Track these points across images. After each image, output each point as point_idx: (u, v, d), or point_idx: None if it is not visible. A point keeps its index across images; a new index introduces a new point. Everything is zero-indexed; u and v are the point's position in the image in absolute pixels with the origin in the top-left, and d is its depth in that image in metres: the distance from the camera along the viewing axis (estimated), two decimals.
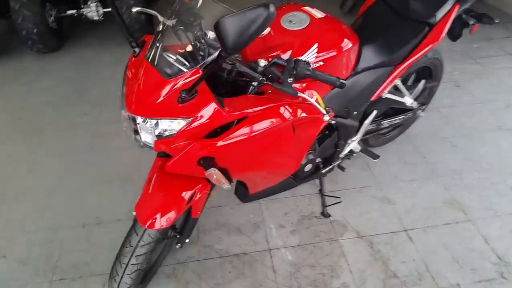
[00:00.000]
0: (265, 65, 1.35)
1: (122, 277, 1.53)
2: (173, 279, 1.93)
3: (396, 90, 2.13)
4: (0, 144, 2.87)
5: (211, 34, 1.38)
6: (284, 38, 1.52)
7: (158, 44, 1.34)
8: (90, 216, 2.27)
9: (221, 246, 2.07)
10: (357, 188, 2.37)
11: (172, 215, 1.47)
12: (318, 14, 1.62)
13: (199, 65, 1.27)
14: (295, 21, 1.57)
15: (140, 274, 1.57)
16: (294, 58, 1.35)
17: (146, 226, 1.45)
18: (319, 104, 1.44)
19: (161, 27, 1.41)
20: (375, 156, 2.21)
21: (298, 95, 1.37)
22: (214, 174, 1.32)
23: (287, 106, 1.46)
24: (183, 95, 1.23)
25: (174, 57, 1.32)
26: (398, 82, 2.05)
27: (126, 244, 1.52)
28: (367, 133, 2.25)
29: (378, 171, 2.47)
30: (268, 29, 1.57)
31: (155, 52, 1.33)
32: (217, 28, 1.02)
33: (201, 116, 1.26)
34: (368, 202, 2.28)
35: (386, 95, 2.04)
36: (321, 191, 2.24)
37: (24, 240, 2.17)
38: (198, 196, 1.58)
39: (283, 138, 1.53)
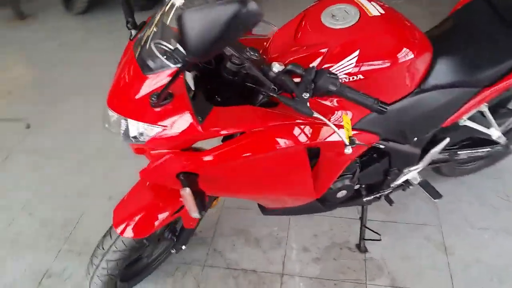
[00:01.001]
0: (278, 72, 1.04)
1: (92, 277, 1.39)
2: (171, 281, 1.77)
3: (482, 116, 1.64)
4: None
5: None
6: (319, 37, 1.17)
7: (151, 29, 1.10)
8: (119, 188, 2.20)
9: (232, 256, 1.85)
10: (411, 224, 1.94)
11: (150, 226, 1.28)
12: (375, 9, 1.22)
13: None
14: (339, 16, 1.20)
15: (112, 281, 1.42)
16: (317, 68, 1.03)
17: (119, 232, 1.27)
18: (345, 130, 1.10)
19: (166, 7, 1.16)
20: (436, 195, 1.76)
21: (314, 115, 1.04)
22: (185, 196, 1.07)
23: (299, 127, 1.14)
24: (153, 98, 0.99)
25: (165, 48, 1.07)
26: (484, 108, 1.57)
27: (99, 244, 1.37)
28: (435, 162, 1.80)
29: (444, 208, 2.00)
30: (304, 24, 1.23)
31: (144, 39, 1.09)
32: (179, 23, 0.75)
33: (172, 127, 1.01)
34: (419, 244, 1.86)
35: (464, 122, 1.57)
36: (361, 220, 1.86)
37: (52, 202, 2.18)
38: None
39: (291, 163, 1.22)
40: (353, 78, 1.16)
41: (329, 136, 1.18)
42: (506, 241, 1.85)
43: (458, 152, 1.79)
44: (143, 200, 1.32)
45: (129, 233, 1.26)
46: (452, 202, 2.02)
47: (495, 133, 1.62)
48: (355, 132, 1.30)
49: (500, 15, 1.50)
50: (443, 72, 1.38)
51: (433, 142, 1.63)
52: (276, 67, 1.04)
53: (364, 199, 1.71)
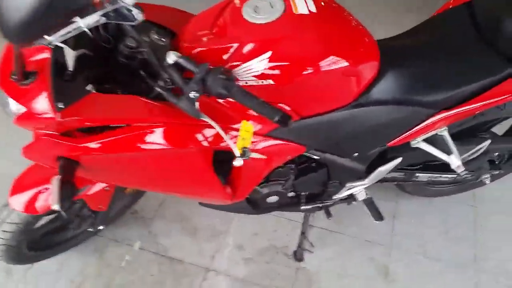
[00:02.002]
0: (168, 64, 0.92)
1: None
2: (97, 256, 1.74)
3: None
4: None
5: None
6: (233, 30, 1.03)
7: None
8: None
9: (164, 242, 1.79)
10: (360, 239, 1.80)
11: (43, 204, 1.22)
12: (305, 6, 1.04)
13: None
14: (262, 9, 1.04)
15: (12, 249, 1.39)
16: (211, 66, 0.90)
17: (11, 204, 1.23)
18: (240, 139, 0.99)
19: None
20: (377, 217, 1.61)
21: (202, 118, 0.93)
22: (52, 182, 1.00)
23: (192, 128, 1.02)
24: (13, 76, 0.90)
25: None
26: (443, 132, 1.38)
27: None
28: (391, 180, 1.64)
29: (402, 228, 1.85)
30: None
31: None
32: None
33: (31, 109, 0.92)
34: (361, 263, 1.73)
35: (418, 144, 1.40)
36: (302, 227, 1.74)
37: None
38: (93, 189, 1.29)
39: (184, 164, 1.11)
40: (262, 82, 1.02)
41: (222, 142, 1.06)
42: (455, 278, 1.69)
43: (417, 174, 1.61)
44: (42, 174, 1.25)
45: (19, 206, 1.21)
46: (411, 224, 1.86)
47: (454, 161, 1.43)
48: (276, 142, 1.17)
49: (477, 27, 1.29)
50: (391, 87, 1.20)
51: (384, 159, 1.47)
52: (171, 58, 0.92)
53: (302, 207, 1.58)
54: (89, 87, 1.04)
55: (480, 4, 1.32)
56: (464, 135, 1.57)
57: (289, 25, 1.01)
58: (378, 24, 2.19)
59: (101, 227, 1.57)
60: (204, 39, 1.05)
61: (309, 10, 1.04)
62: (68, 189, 1.03)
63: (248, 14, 1.03)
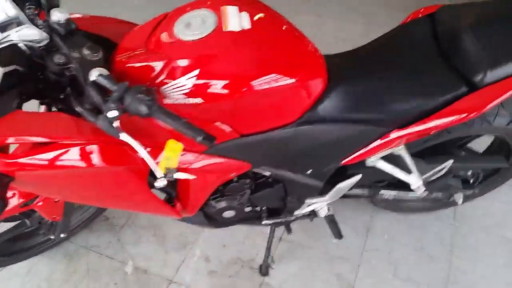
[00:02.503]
0: (89, 81, 0.92)
1: None
2: (66, 261, 1.76)
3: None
4: None
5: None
6: (164, 46, 1.01)
7: None
8: None
9: (132, 250, 1.79)
10: (329, 254, 1.76)
11: None
12: (237, 23, 1.01)
13: None
14: (194, 25, 1.02)
15: None
16: (129, 85, 0.89)
17: None
18: (164, 159, 0.97)
19: None
20: (336, 235, 1.56)
21: (121, 138, 0.92)
22: None
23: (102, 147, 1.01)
24: None
25: None
26: (400, 151, 1.33)
27: None
28: (354, 196, 1.59)
29: (373, 244, 1.79)
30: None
31: None
32: None
33: None
34: (327, 280, 1.68)
35: (374, 162, 1.35)
36: (268, 242, 1.71)
37: None
38: (42, 201, 1.30)
39: (117, 182, 1.10)
40: (191, 100, 1.00)
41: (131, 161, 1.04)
42: None
43: (382, 192, 1.56)
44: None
45: None
46: (384, 240, 1.80)
47: (414, 181, 1.38)
48: (217, 159, 1.15)
49: (437, 41, 1.23)
50: (339, 105, 1.16)
51: (343, 176, 1.43)
52: (92, 75, 0.91)
53: (263, 222, 1.56)
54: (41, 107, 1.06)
55: (441, 17, 1.26)
56: (433, 153, 1.52)
57: (217, 43, 0.99)
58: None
59: (62, 235, 1.58)
60: (136, 54, 1.04)
61: (242, 27, 1.01)
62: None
63: (179, 30, 1.01)
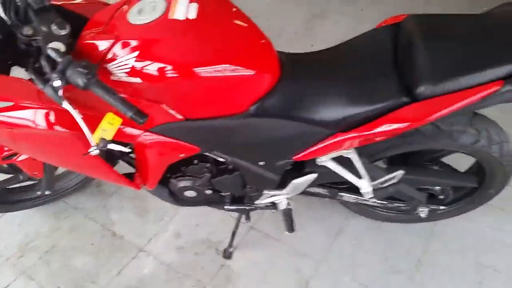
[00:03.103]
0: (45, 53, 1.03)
1: None
2: (53, 218, 1.93)
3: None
4: None
5: None
6: (115, 28, 1.10)
7: None
8: None
9: (114, 217, 1.94)
10: (295, 249, 1.79)
11: None
12: (184, 12, 1.07)
13: None
14: (145, 11, 1.10)
15: None
16: (73, 59, 0.99)
17: None
18: (99, 129, 1.07)
19: None
20: (289, 229, 1.59)
21: (63, 106, 1.03)
22: None
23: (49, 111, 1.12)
24: None
25: None
26: (349, 154, 1.34)
27: None
28: (314, 194, 1.62)
29: (341, 246, 1.80)
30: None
31: None
32: None
33: None
34: (285, 273, 1.72)
35: (325, 162, 1.37)
36: (235, 226, 1.78)
37: None
38: (21, 157, 1.46)
39: (70, 147, 1.21)
40: (131, 79, 1.08)
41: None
42: None
43: (340, 194, 1.57)
44: None
45: None
46: (352, 245, 1.80)
47: (363, 186, 1.38)
48: (164, 138, 1.24)
49: (396, 50, 1.23)
50: (287, 102, 1.21)
51: (301, 172, 1.46)
52: (46, 48, 1.03)
53: (226, 207, 1.63)
54: None
55: (404, 26, 1.25)
56: (404, 162, 1.53)
57: (159, 29, 1.06)
58: None
59: (47, 192, 1.73)
60: (94, 33, 1.13)
61: (186, 17, 1.08)
62: None
63: (132, 15, 1.09)
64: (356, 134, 1.20)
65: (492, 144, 1.36)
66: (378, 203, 1.59)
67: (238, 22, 1.17)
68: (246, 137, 1.27)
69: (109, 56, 1.07)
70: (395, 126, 1.14)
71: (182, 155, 1.32)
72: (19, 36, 1.11)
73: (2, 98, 1.12)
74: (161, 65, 1.05)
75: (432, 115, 1.11)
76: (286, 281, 1.70)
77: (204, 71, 1.08)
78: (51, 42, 1.03)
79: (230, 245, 1.77)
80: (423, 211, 1.58)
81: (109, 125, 1.08)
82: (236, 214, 1.83)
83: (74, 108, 1.04)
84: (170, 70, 1.06)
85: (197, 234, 1.87)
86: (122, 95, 0.99)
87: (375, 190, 1.40)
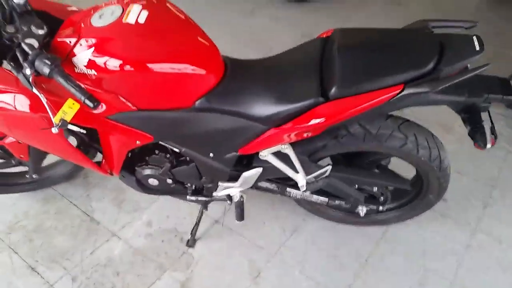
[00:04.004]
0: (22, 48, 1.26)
1: None
2: (41, 202, 2.15)
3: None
4: None
5: None
6: (80, 28, 1.31)
7: None
8: None
9: (94, 205, 2.14)
10: (252, 243, 1.95)
11: None
12: (134, 18, 1.28)
13: None
14: (105, 15, 1.31)
15: None
16: (39, 52, 1.20)
17: None
18: (61, 111, 1.28)
19: None
20: (238, 217, 1.75)
21: (33, 91, 1.25)
22: None
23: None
24: None
25: None
26: (287, 150, 1.50)
27: None
28: (266, 190, 1.77)
29: (294, 243, 1.94)
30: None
31: None
32: None
33: None
34: (240, 262, 1.88)
35: (266, 157, 1.54)
36: (198, 217, 1.95)
37: None
38: (8, 139, 1.68)
39: (38, 130, 1.42)
40: (89, 71, 1.28)
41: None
42: None
43: (288, 190, 1.73)
44: None
45: None
46: (305, 242, 1.95)
47: (299, 179, 1.54)
48: (121, 125, 1.43)
49: (322, 57, 1.40)
50: (228, 98, 1.40)
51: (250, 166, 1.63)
52: (23, 43, 1.25)
53: (187, 198, 1.81)
54: None
55: (332, 38, 1.43)
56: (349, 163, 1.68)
57: (113, 30, 1.27)
58: None
59: (34, 176, 1.95)
60: (65, 32, 1.36)
61: (137, 21, 1.29)
62: None
63: (94, 19, 1.31)
64: (283, 129, 1.37)
65: (420, 148, 1.50)
66: (321, 200, 1.73)
67: (186, 28, 1.38)
68: (192, 129, 1.46)
69: (74, 51, 1.28)
70: (313, 121, 1.31)
71: (138, 142, 1.51)
72: (3, 33, 1.34)
73: None
74: (112, 59, 1.26)
75: (342, 113, 1.27)
76: (240, 269, 1.85)
77: (151, 67, 1.28)
78: (27, 38, 1.26)
79: (193, 234, 1.94)
80: (362, 210, 1.71)
81: (69, 109, 1.28)
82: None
83: (41, 93, 1.25)
84: (119, 64, 1.26)
85: (166, 224, 2.04)
86: (83, 85, 1.20)
87: (308, 183, 1.55)
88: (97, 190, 2.21)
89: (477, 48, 1.22)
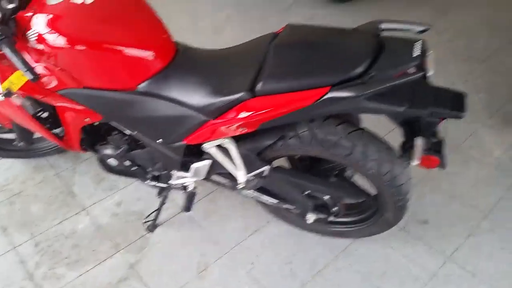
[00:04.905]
0: None
1: None
2: (30, 171, 2.29)
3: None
4: None
5: None
6: (36, 6, 1.37)
7: None
8: None
9: (77, 179, 2.24)
10: (210, 238, 1.93)
11: None
12: None
13: None
14: None
15: None
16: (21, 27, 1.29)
17: None
18: (8, 81, 1.36)
19: None
20: (186, 209, 1.73)
21: None
22: None
23: None
24: None
25: None
26: (227, 145, 1.46)
27: None
28: (220, 184, 1.75)
29: (252, 244, 1.90)
30: None
31: None
32: None
33: None
34: (190, 254, 1.87)
35: (209, 149, 1.52)
36: (160, 203, 1.96)
37: None
38: None
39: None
40: (38, 46, 1.34)
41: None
42: None
43: (237, 186, 1.68)
44: None
45: None
46: (261, 244, 1.90)
47: (239, 176, 1.50)
48: (69, 102, 1.48)
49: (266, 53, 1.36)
50: (172, 85, 1.39)
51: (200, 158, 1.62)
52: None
53: (145, 182, 1.83)
54: None
55: (280, 34, 1.37)
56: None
57: (59, 9, 1.32)
58: None
59: (20, 144, 2.07)
60: (27, 10, 1.43)
61: (84, 2, 1.33)
62: None
63: None
64: (219, 121, 1.35)
65: (369, 160, 1.40)
66: (270, 201, 1.68)
67: (136, 10, 1.40)
68: (138, 113, 1.47)
69: (29, 25, 1.35)
70: (241, 115, 1.28)
71: (87, 120, 1.56)
72: None
73: None
74: (56, 36, 1.30)
75: (265, 110, 1.22)
76: (189, 261, 1.84)
77: (92, 47, 1.31)
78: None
79: (154, 219, 1.96)
80: (311, 217, 1.64)
81: (17, 80, 1.35)
82: (175, 197, 2.03)
83: None
84: (63, 41, 1.31)
85: (135, 206, 2.09)
86: (35, 59, 1.28)
87: (248, 181, 1.51)
88: (84, 165, 2.31)
89: (415, 54, 1.11)
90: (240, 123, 1.31)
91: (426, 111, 1.20)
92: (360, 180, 1.64)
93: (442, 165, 1.33)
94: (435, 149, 1.24)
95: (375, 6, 3.73)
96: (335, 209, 1.64)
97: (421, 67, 1.24)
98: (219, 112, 1.34)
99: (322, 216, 1.65)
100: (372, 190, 1.60)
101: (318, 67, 1.19)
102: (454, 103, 1.21)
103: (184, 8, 3.82)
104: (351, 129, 1.41)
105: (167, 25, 1.46)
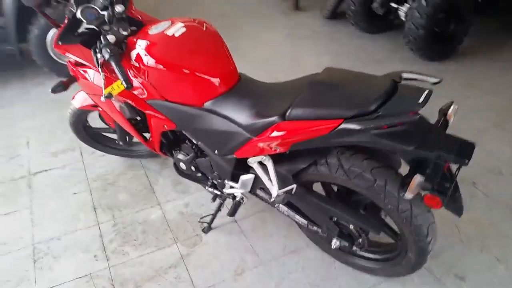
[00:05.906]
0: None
1: None
2: (126, 167, 2.78)
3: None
4: None
5: None
6: (141, 34, 1.80)
7: None
8: None
9: (160, 179, 2.66)
10: (249, 245, 2.15)
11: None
12: (173, 31, 1.71)
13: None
14: (159, 27, 1.76)
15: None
16: (106, 43, 1.75)
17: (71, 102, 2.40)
18: (110, 87, 1.80)
19: None
20: (230, 213, 1.96)
21: (97, 68, 1.80)
22: None
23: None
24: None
25: None
26: (266, 161, 1.70)
27: None
28: (264, 199, 1.98)
29: (288, 262, 2.07)
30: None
31: None
32: None
33: None
34: (234, 258, 2.11)
35: (252, 164, 1.77)
36: (215, 211, 2.25)
37: None
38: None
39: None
40: (135, 64, 1.76)
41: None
42: None
43: (281, 207, 1.89)
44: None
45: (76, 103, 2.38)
46: (296, 264, 2.06)
47: (273, 190, 1.71)
48: (152, 110, 1.88)
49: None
50: (230, 105, 1.71)
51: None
52: (105, 35, 1.82)
53: (207, 188, 2.15)
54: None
55: (320, 73, 1.60)
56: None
57: (155, 38, 1.73)
58: None
59: (121, 143, 2.55)
60: (135, 35, 1.87)
61: (173, 35, 1.73)
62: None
63: (151, 28, 1.79)
64: (258, 139, 1.61)
65: (388, 196, 1.52)
66: (302, 221, 1.85)
67: (212, 44, 1.76)
68: (202, 126, 1.80)
69: (133, 48, 1.79)
70: (273, 135, 1.53)
71: (165, 127, 1.94)
72: (101, 29, 1.92)
73: (87, 61, 1.95)
74: (147, 57, 1.72)
75: (291, 133, 1.45)
76: (230, 263, 2.09)
77: (173, 69, 1.69)
78: (109, 35, 1.81)
79: (209, 223, 2.26)
80: (335, 243, 1.76)
81: (116, 87, 1.79)
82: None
83: (102, 71, 1.78)
84: (152, 62, 1.71)
85: (199, 210, 2.42)
86: (132, 73, 1.72)
87: (278, 195, 1.72)
88: (167, 170, 2.73)
89: (420, 101, 1.25)
90: (273, 142, 1.55)
91: (433, 153, 1.31)
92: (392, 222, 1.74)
93: (455, 211, 1.40)
94: (439, 189, 1.33)
95: (462, 68, 3.75)
96: (359, 240, 1.75)
97: (444, 117, 1.38)
98: (259, 131, 1.60)
99: (345, 243, 1.77)
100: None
101: (337, 102, 1.40)
102: (462, 151, 1.30)
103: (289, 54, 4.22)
104: (376, 165, 1.56)
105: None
